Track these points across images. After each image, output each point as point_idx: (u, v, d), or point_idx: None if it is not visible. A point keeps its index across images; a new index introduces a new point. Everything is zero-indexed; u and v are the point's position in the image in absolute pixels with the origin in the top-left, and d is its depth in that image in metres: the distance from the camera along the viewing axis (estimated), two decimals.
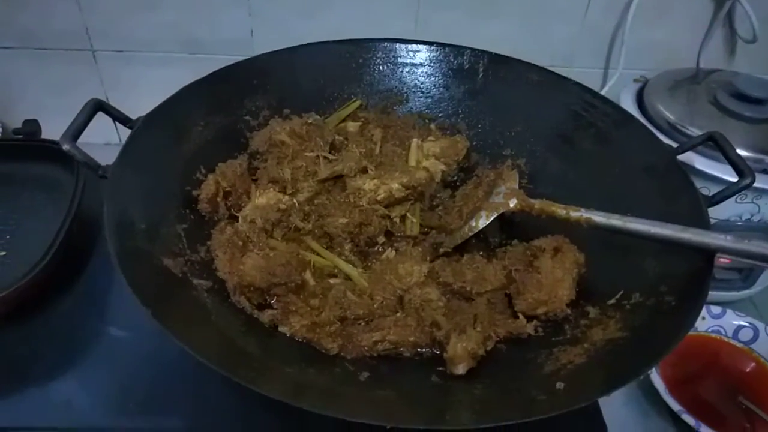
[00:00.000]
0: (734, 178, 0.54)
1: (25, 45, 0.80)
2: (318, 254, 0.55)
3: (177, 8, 0.79)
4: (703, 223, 0.50)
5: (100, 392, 0.53)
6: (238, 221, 0.56)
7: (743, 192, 0.62)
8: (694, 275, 0.47)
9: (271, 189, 0.57)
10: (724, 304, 0.69)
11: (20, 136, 0.70)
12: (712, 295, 0.71)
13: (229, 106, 0.63)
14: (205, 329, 0.44)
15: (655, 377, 0.60)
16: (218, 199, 0.56)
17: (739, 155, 0.53)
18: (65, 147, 0.47)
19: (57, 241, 0.55)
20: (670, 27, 0.83)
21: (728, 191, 0.52)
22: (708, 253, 0.47)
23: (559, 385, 0.40)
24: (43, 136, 0.72)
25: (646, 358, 0.40)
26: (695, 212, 0.51)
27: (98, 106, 0.53)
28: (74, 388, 0.53)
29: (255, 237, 0.54)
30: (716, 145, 0.55)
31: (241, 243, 0.53)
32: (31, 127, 0.70)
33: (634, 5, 0.79)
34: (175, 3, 0.78)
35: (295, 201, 0.57)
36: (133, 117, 0.55)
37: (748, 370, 0.65)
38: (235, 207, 0.58)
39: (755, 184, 0.60)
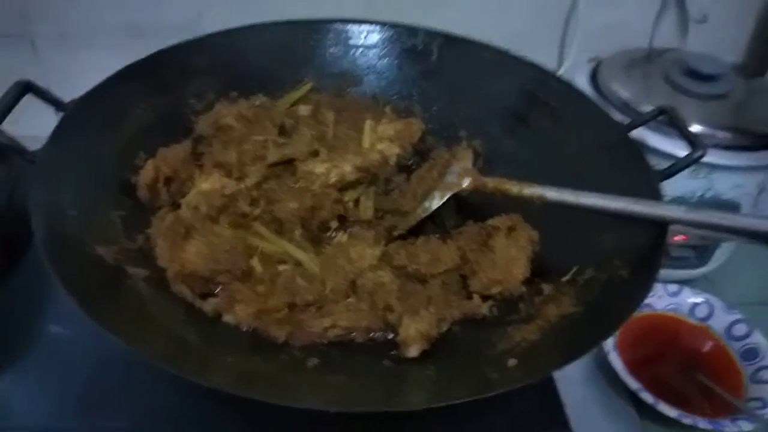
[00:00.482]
0: (685, 153, 0.53)
1: None
2: (266, 240, 0.53)
3: None
4: (656, 195, 0.49)
5: (38, 392, 0.50)
6: (180, 209, 0.53)
7: (696, 168, 0.63)
8: (647, 248, 0.46)
9: (216, 174, 0.55)
10: (680, 282, 0.69)
11: None
12: (668, 273, 0.71)
13: (172, 88, 0.60)
14: (141, 321, 0.41)
15: (614, 357, 0.59)
16: (159, 186, 0.53)
17: (687, 128, 0.53)
18: None
19: None
20: (622, 8, 0.84)
21: (681, 163, 0.52)
22: (661, 225, 0.47)
23: (512, 361, 0.39)
24: None
25: (600, 332, 0.39)
26: (648, 186, 0.50)
27: (27, 87, 0.49)
28: (11, 388, 0.50)
29: (199, 224, 0.51)
30: (668, 118, 0.55)
31: (183, 230, 0.50)
32: None
33: None
34: None
35: (242, 186, 0.55)
36: None
37: (705, 347, 0.65)
38: (179, 194, 0.55)
39: (708, 159, 0.60)
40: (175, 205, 0.54)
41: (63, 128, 0.49)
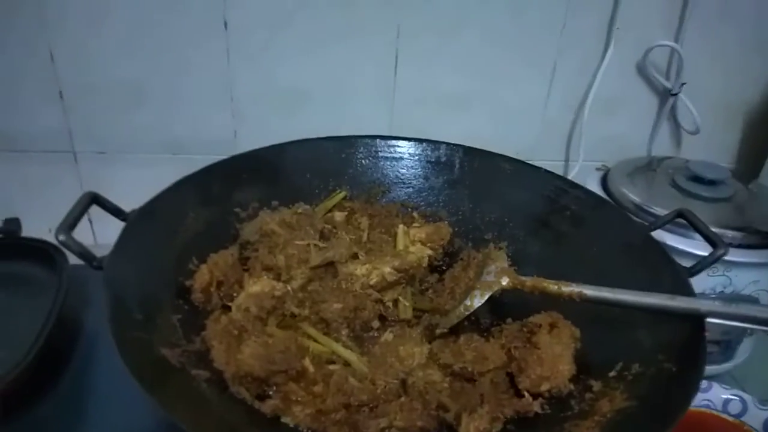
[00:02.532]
0: (703, 252, 0.57)
1: (3, 148, 0.80)
2: (315, 340, 0.54)
3: (160, 110, 0.82)
4: (689, 291, 0.52)
5: None
6: (230, 311, 0.55)
7: (714, 266, 0.66)
8: (688, 341, 0.48)
9: (265, 277, 0.57)
10: (707, 378, 0.70)
11: (1, 236, 0.68)
12: None
13: (219, 199, 0.64)
14: (208, 420, 0.41)
15: None
16: (212, 289, 0.55)
17: (708, 227, 0.57)
18: (61, 238, 0.47)
19: (39, 342, 0.52)
20: (622, 121, 0.92)
21: (705, 262, 0.55)
22: (698, 319, 0.49)
23: None
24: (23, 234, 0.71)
25: (661, 423, 0.40)
26: (679, 282, 0.53)
27: (93, 199, 0.53)
28: None
29: (250, 326, 0.53)
30: (686, 221, 0.59)
31: (236, 332, 0.51)
32: (12, 225, 0.68)
33: (589, 102, 0.87)
34: (158, 105, 0.81)
35: (289, 288, 0.57)
36: None
37: None
38: (227, 297, 0.57)
39: (724, 257, 0.64)
40: (226, 308, 0.55)
41: (126, 237, 0.52)
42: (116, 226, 0.53)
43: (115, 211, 0.55)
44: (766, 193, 0.78)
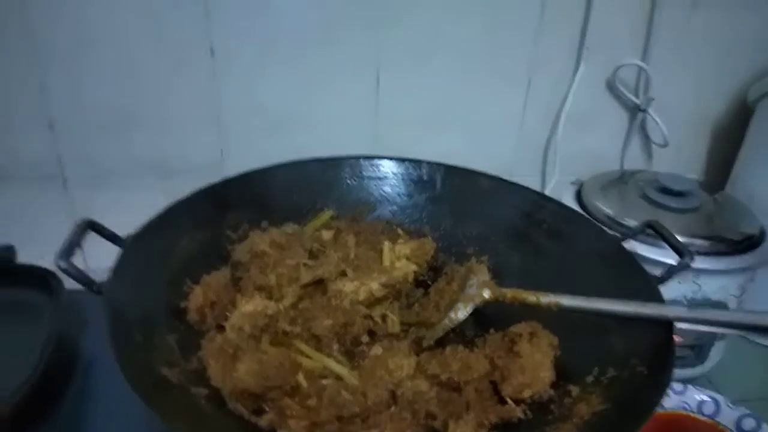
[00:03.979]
0: (671, 260, 0.61)
1: None
2: (308, 356, 0.56)
3: (148, 135, 0.84)
4: (659, 298, 0.55)
5: None
6: (225, 330, 0.57)
7: (685, 273, 0.70)
8: (659, 345, 0.51)
9: (258, 296, 0.59)
10: (682, 381, 0.74)
11: None
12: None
13: (211, 222, 0.66)
14: None
15: None
16: (206, 310, 0.57)
17: (675, 238, 0.61)
18: (61, 265, 0.49)
19: (39, 367, 0.54)
20: (595, 136, 0.96)
21: (674, 270, 0.58)
22: (668, 324, 0.52)
23: None
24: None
25: (632, 423, 0.43)
26: (649, 290, 0.57)
27: (90, 225, 0.55)
28: None
29: (244, 344, 0.55)
30: (654, 231, 0.63)
31: (231, 351, 0.53)
32: (7, 252, 0.70)
33: (562, 119, 0.91)
34: (147, 130, 0.83)
35: (281, 306, 0.59)
36: None
37: None
38: (221, 317, 0.59)
39: (694, 265, 0.68)
40: (220, 328, 0.58)
41: (123, 261, 0.54)
42: (107, 251, 0.55)
43: (112, 237, 0.57)
44: (732, 202, 0.82)
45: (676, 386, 0.72)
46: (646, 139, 0.97)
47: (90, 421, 0.58)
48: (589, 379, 0.53)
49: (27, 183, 0.83)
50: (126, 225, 0.58)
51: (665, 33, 0.89)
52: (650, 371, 0.49)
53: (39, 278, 0.63)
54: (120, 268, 0.53)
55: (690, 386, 0.72)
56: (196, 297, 0.57)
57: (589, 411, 0.49)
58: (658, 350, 0.51)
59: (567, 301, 0.56)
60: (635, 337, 0.54)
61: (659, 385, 0.46)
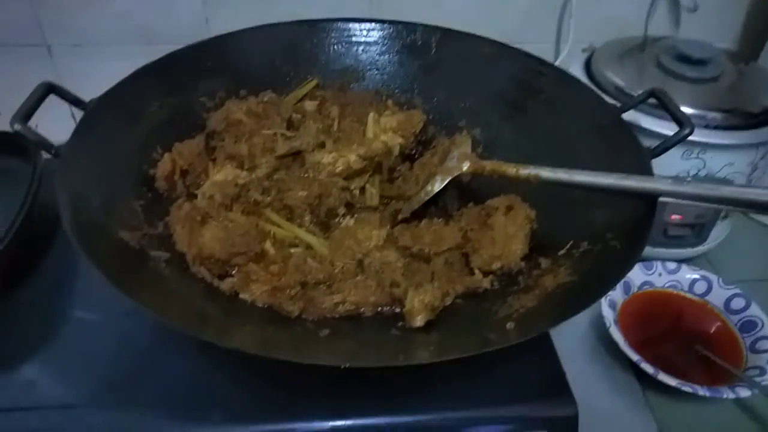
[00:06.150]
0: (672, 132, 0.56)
1: None
2: (278, 225, 0.56)
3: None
4: (646, 171, 0.52)
5: (65, 373, 0.53)
6: (196, 199, 0.56)
7: (689, 148, 0.65)
8: (637, 220, 0.49)
9: (229, 165, 0.58)
10: (681, 261, 0.71)
11: None
12: (668, 252, 0.73)
13: (184, 87, 0.63)
14: (165, 297, 0.44)
15: (615, 331, 0.62)
16: (175, 178, 0.57)
17: (677, 107, 0.55)
18: (16, 127, 0.47)
19: (14, 226, 0.55)
20: (616, 1, 0.86)
21: (669, 141, 0.54)
22: (650, 198, 0.49)
23: (510, 325, 0.42)
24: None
25: (592, 294, 0.42)
26: (638, 162, 0.53)
27: (49, 88, 0.53)
28: (40, 370, 0.53)
29: (214, 212, 0.54)
30: (657, 100, 0.58)
31: (200, 218, 0.53)
32: None
33: None
34: None
35: (253, 176, 0.58)
36: None
37: (705, 321, 0.67)
38: (194, 186, 0.58)
39: (700, 139, 0.63)
40: (191, 196, 0.57)
41: (84, 124, 0.52)
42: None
43: (75, 101, 0.55)
44: (759, 73, 0.74)
45: (669, 265, 0.70)
46: (674, 3, 0.87)
47: (75, 279, 0.60)
48: (561, 252, 0.51)
49: (8, 50, 0.80)
50: None
51: None
52: (623, 246, 0.47)
53: (18, 145, 0.63)
54: (81, 131, 0.51)
55: (684, 266, 0.70)
56: (164, 164, 0.56)
57: (554, 283, 0.47)
58: (635, 225, 0.48)
59: (546, 173, 0.52)
60: (618, 212, 0.51)
61: (628, 260, 0.44)
